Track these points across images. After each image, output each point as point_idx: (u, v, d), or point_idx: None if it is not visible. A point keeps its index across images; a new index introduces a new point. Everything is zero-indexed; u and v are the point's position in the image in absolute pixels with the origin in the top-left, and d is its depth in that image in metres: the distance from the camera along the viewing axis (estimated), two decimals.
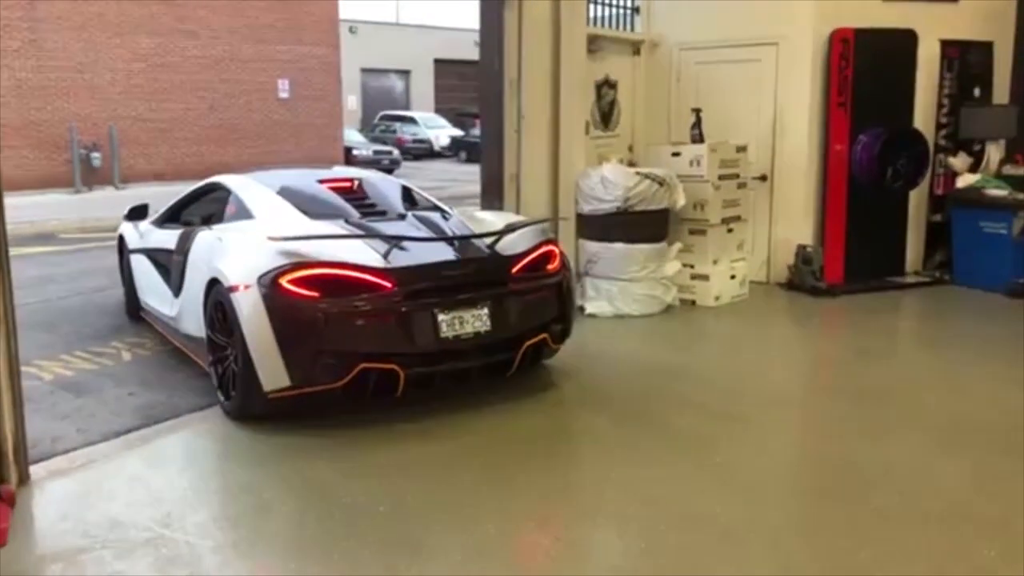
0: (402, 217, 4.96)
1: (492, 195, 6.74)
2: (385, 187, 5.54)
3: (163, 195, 17.17)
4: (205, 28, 19.58)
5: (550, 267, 4.83)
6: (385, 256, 4.25)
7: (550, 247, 4.90)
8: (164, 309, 5.62)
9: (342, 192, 5.27)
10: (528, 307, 4.62)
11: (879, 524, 3.34)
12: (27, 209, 13.70)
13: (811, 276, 7.25)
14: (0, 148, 14.11)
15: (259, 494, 3.67)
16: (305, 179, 5.48)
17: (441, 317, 4.23)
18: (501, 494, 3.66)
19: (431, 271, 4.32)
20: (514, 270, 4.61)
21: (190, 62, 19.52)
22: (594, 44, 7.47)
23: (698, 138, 7.19)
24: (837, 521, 3.39)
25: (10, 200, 13.32)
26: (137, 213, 6.60)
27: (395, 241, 4.38)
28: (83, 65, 17.89)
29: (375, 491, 3.64)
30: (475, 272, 4.48)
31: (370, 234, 4.47)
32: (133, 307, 6.57)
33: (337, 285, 4.11)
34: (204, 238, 5.01)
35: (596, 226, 6.70)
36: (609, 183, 6.58)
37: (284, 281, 4.08)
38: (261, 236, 4.36)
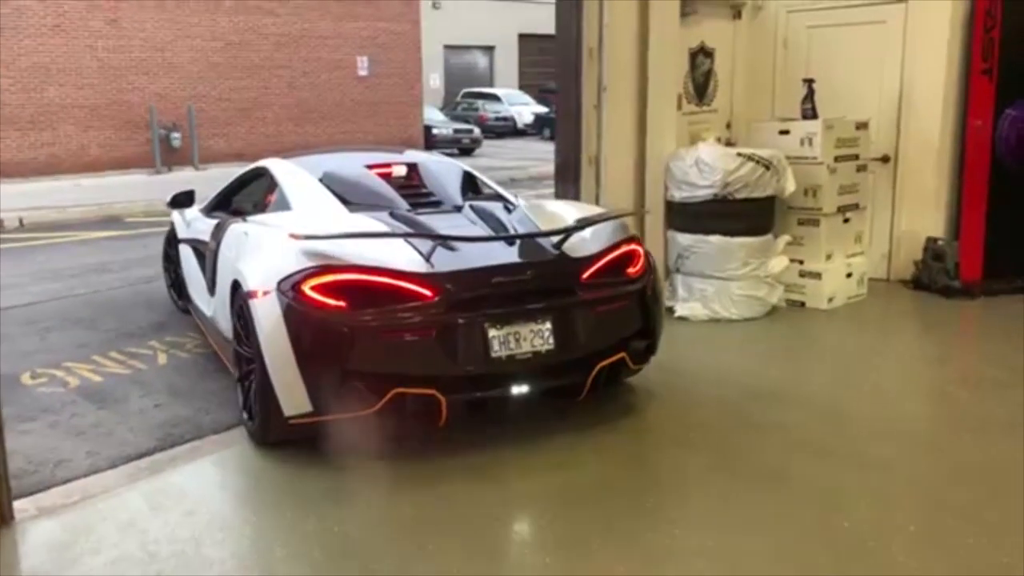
0: (458, 209, 4.34)
1: (567, 179, 5.93)
2: (443, 173, 4.93)
3: None
4: (283, 5, 19.24)
5: (631, 271, 4.07)
6: (427, 258, 3.59)
7: (632, 246, 4.13)
8: (204, 307, 5.14)
9: (394, 179, 4.72)
10: (602, 320, 3.86)
11: None
12: (102, 191, 13.65)
13: (944, 274, 6.18)
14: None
15: (272, 554, 3.02)
16: (353, 164, 4.93)
17: (492, 333, 3.55)
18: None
19: (481, 277, 3.63)
20: (585, 275, 3.87)
21: (268, 40, 19.24)
22: (688, 7, 6.50)
23: (810, 113, 6.18)
24: None
25: (89, 181, 13.31)
26: (181, 200, 6.00)
27: (439, 240, 3.70)
28: (163, 44, 17.78)
29: (411, 558, 2.93)
30: (536, 278, 3.76)
31: (412, 231, 3.82)
32: (179, 301, 6.20)
33: (368, 293, 3.48)
34: (233, 231, 4.49)
35: (689, 215, 5.81)
36: (705, 166, 5.68)
37: (306, 288, 3.46)
38: (285, 232, 3.74)
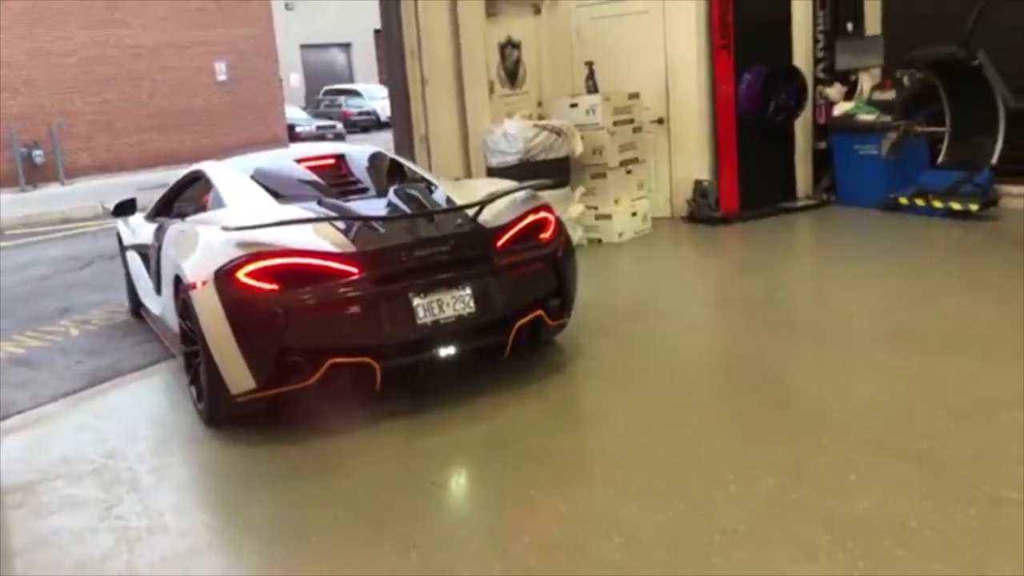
0: (383, 194, 4.58)
1: (404, 155, 7.25)
2: (369, 162, 5.17)
3: (108, 187, 17.38)
4: (136, 16, 19.65)
5: (543, 236, 4.43)
6: (352, 239, 3.91)
7: (542, 214, 4.47)
8: (153, 307, 5.34)
9: (321, 170, 4.99)
10: (518, 283, 4.23)
11: (715, 389, 4.00)
12: None
13: (707, 208, 7.88)
14: None
15: (196, 430, 4.16)
16: (283, 160, 5.24)
17: (417, 302, 3.90)
18: None
19: (403, 251, 3.95)
20: (500, 243, 4.22)
21: (124, 52, 19.61)
22: (493, 7, 7.94)
23: (592, 89, 7.74)
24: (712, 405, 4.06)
25: None
26: (124, 208, 6.17)
27: (360, 221, 4.02)
28: (17, 62, 17.95)
29: (310, 442, 4.20)
30: (454, 249, 4.06)
31: (336, 215, 4.10)
32: (134, 305, 6.31)
33: (298, 275, 3.79)
34: (172, 231, 4.67)
35: (503, 177, 7.23)
36: (511, 137, 7.13)
37: (240, 275, 3.76)
38: (218, 227, 4.04)
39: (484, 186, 4.80)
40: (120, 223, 6.40)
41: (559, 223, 4.55)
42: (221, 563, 3.04)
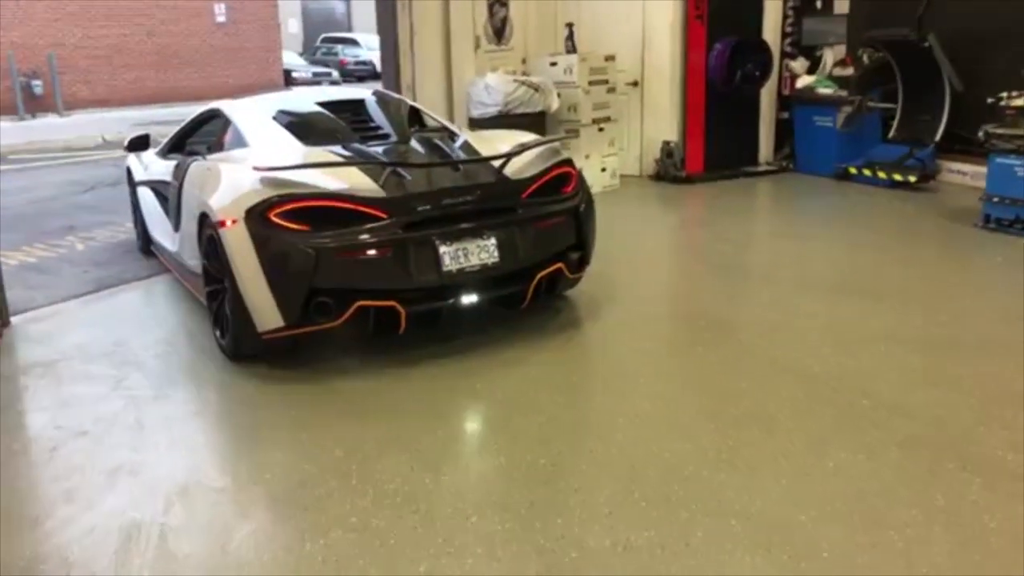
0: (405, 140, 4.65)
1: None
2: (389, 108, 5.17)
3: (107, 121, 17.81)
4: None
5: (566, 190, 4.49)
6: (381, 184, 3.96)
7: (565, 168, 4.53)
8: (167, 243, 5.42)
9: (343, 114, 4.98)
10: (541, 235, 4.29)
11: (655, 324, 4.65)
12: None
13: (673, 167, 8.46)
14: None
15: (198, 326, 4.74)
16: (304, 102, 5.24)
17: (443, 249, 3.96)
18: None
19: (431, 199, 4.01)
20: (524, 195, 4.28)
21: None
22: None
23: (571, 49, 8.26)
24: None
25: None
26: (138, 144, 6.17)
27: (392, 167, 4.09)
28: None
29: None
30: (481, 199, 4.13)
31: (366, 160, 4.18)
32: (144, 242, 6.38)
33: (329, 217, 3.84)
34: (196, 169, 4.72)
35: (483, 127, 7.78)
36: (492, 89, 7.67)
37: (272, 214, 3.81)
38: (248, 166, 4.08)
39: (506, 137, 4.86)
40: (132, 159, 6.47)
41: (581, 178, 4.63)
42: (215, 422, 3.69)
